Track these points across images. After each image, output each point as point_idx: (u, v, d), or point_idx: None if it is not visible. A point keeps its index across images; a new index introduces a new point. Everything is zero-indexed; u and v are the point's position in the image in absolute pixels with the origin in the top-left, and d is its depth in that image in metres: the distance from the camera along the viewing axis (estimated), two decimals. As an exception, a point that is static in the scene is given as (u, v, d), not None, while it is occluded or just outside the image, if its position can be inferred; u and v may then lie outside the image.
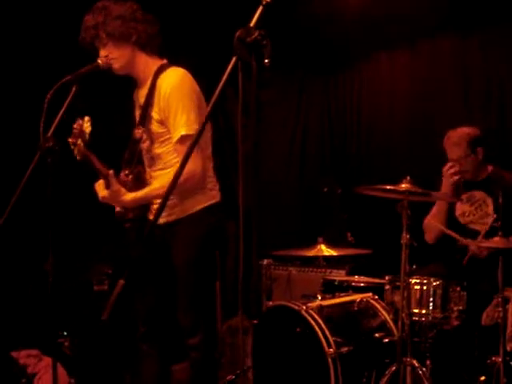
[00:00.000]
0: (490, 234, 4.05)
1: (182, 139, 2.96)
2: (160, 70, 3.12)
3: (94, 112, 3.07)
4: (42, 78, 3.65)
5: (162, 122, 3.07)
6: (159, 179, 3.10)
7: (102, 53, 3.10)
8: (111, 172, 3.01)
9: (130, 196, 3.05)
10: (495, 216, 4.04)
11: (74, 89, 2.93)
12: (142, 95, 3.18)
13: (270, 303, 3.77)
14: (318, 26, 5.46)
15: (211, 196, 3.18)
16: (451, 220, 4.33)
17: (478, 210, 4.22)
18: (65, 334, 4.29)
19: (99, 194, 3.10)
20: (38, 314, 4.13)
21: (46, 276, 2.85)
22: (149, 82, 3.12)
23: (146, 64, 3.15)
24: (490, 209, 4.16)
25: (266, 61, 1.68)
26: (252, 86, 1.66)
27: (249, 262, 1.88)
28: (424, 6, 4.93)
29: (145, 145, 3.15)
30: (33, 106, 2.99)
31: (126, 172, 3.14)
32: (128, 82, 3.28)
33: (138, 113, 3.24)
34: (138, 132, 3.12)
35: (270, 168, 5.83)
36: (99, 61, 3.07)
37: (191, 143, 2.05)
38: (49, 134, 2.80)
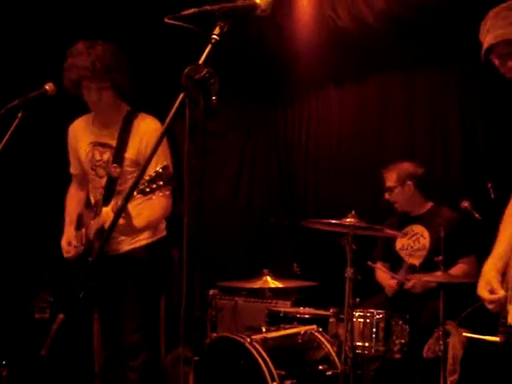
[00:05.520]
0: (425, 267, 4.17)
1: None
2: (131, 115, 3.28)
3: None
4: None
5: (135, 163, 3.21)
6: (146, 212, 3.21)
7: (93, 96, 3.15)
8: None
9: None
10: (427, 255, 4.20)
11: (20, 114, 2.90)
12: (106, 135, 3.30)
13: (215, 334, 3.74)
14: (268, 57, 5.52)
15: (161, 230, 3.40)
16: (392, 254, 4.45)
17: (415, 243, 4.34)
18: (3, 363, 4.18)
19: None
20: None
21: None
22: (119, 125, 3.25)
23: (118, 107, 3.29)
24: (427, 241, 4.27)
25: (213, 98, 1.70)
26: (199, 123, 1.67)
27: (192, 292, 1.88)
28: (373, 43, 5.04)
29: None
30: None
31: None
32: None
33: (88, 148, 3.34)
34: (116, 171, 3.19)
35: (217, 199, 5.84)
36: (46, 87, 3.04)
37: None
38: (-8, 161, 2.77)
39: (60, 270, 4.00)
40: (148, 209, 3.20)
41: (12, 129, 2.88)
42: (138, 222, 3.14)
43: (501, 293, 2.28)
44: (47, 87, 3.03)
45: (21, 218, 4.83)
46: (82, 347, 3.93)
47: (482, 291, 2.34)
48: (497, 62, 2.33)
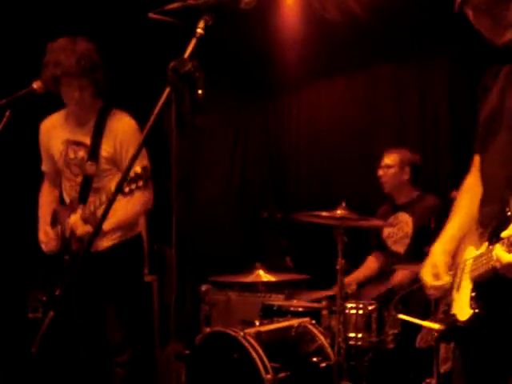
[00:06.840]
0: (409, 254, 4.20)
1: None
2: (104, 111, 3.24)
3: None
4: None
5: (111, 160, 3.19)
6: (124, 208, 3.16)
7: (75, 94, 3.12)
8: None
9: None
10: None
11: (7, 113, 2.88)
12: (80, 133, 3.26)
13: (208, 329, 3.74)
14: (257, 51, 5.52)
15: (139, 225, 3.43)
16: (379, 242, 4.48)
17: (399, 231, 4.38)
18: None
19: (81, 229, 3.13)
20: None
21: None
22: (93, 122, 3.22)
23: (93, 104, 3.24)
24: (410, 229, 4.31)
25: (200, 92, 1.70)
26: (186, 118, 1.67)
27: (182, 288, 1.88)
28: (361, 35, 5.05)
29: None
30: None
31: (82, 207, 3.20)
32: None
33: (61, 147, 3.31)
34: (92, 168, 3.18)
35: (209, 193, 5.83)
36: (34, 85, 3.00)
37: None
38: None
39: (53, 269, 3.99)
40: (122, 208, 3.13)
41: (0, 128, 2.85)
42: (105, 225, 3.08)
43: (445, 279, 2.05)
44: (35, 85, 2.98)
45: (13, 217, 4.81)
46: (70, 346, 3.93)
47: (426, 275, 2.10)
48: (470, 14, 1.98)
